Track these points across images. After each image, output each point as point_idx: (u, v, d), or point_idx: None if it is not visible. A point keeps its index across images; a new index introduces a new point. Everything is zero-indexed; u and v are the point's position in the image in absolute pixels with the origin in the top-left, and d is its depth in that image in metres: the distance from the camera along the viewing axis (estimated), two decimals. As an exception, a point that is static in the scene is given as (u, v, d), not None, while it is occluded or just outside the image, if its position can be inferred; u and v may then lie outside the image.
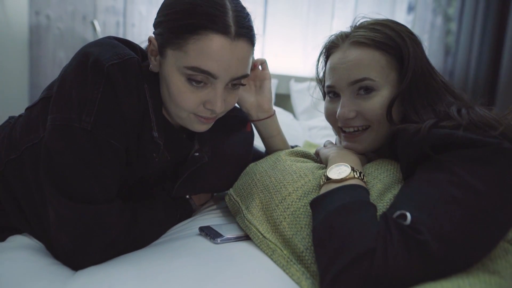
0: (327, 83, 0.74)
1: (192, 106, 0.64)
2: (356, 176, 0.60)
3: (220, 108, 0.64)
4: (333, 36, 0.75)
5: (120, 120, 0.60)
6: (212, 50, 0.59)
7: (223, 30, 0.60)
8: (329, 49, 0.75)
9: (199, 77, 0.61)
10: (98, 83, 0.58)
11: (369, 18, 0.74)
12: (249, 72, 0.67)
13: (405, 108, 0.66)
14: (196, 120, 0.67)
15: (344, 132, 0.73)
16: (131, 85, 0.60)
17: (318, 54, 0.80)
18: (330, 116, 0.76)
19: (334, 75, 0.71)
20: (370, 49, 0.68)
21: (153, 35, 0.66)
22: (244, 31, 0.62)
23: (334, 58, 0.72)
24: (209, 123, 0.68)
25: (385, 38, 0.68)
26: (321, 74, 0.81)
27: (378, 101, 0.67)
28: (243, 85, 0.69)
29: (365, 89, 0.68)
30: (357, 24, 0.73)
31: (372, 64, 0.67)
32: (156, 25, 0.65)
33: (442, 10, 2.85)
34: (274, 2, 2.51)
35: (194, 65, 0.60)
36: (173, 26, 0.61)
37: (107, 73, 0.58)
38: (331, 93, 0.74)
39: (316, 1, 2.62)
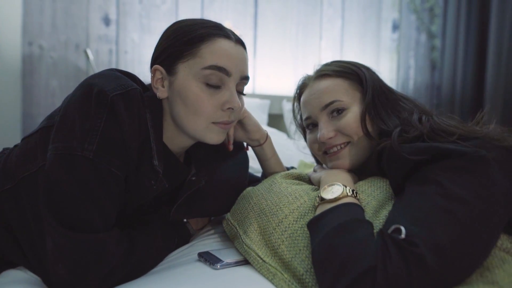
0: (304, 117, 0.82)
1: (211, 110, 0.68)
2: (349, 194, 0.61)
3: (238, 104, 0.70)
4: (300, 80, 0.86)
5: (121, 149, 0.61)
6: (223, 49, 0.69)
7: (227, 35, 0.71)
8: (300, 90, 0.85)
9: (215, 77, 0.68)
10: (101, 112, 0.59)
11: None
12: (249, 76, 0.76)
13: (373, 119, 0.73)
14: (215, 129, 0.70)
15: (328, 154, 0.77)
16: (133, 115, 0.62)
17: (292, 99, 0.89)
18: (313, 145, 0.81)
19: (307, 106, 0.80)
20: (333, 78, 0.78)
21: (157, 65, 0.71)
22: (240, 41, 0.74)
23: (305, 94, 0.82)
24: (226, 130, 0.73)
25: (343, 67, 0.79)
26: (298, 117, 0.89)
27: (351, 116, 0.74)
28: (243, 94, 0.76)
29: (337, 111, 0.76)
30: (318, 68, 0.84)
31: (337, 88, 0.77)
32: (158, 55, 0.71)
33: (426, 28, 2.95)
34: (263, 24, 2.58)
35: (211, 64, 0.67)
36: (185, 41, 0.68)
37: (110, 103, 0.59)
38: (309, 125, 0.81)
39: (304, 23, 2.70)
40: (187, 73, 0.68)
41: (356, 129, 0.74)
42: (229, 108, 0.69)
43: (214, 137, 0.71)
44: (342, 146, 0.75)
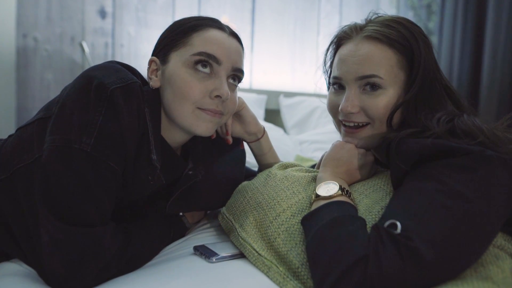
0: (333, 74, 0.72)
1: (198, 94, 0.68)
2: (343, 194, 0.62)
3: (226, 93, 0.68)
4: (346, 27, 0.73)
5: (119, 142, 0.60)
6: (214, 38, 0.70)
7: (220, 27, 0.72)
8: (341, 39, 0.74)
9: (205, 62, 0.68)
10: (100, 106, 0.59)
11: (383, 13, 0.74)
12: (243, 70, 0.75)
13: (407, 113, 0.66)
14: (201, 116, 0.69)
15: (345, 126, 0.72)
16: (132, 109, 0.62)
17: (329, 43, 0.77)
18: (333, 108, 0.74)
19: (342, 67, 0.70)
20: (383, 45, 0.67)
21: (153, 57, 0.73)
22: (235, 35, 0.74)
23: (344, 49, 0.71)
24: (214, 120, 0.70)
25: (399, 37, 0.67)
26: (328, 64, 0.80)
27: (383, 99, 0.67)
28: (239, 81, 0.75)
29: (371, 86, 0.67)
30: (372, 19, 0.72)
31: (382, 61, 0.66)
32: (155, 48, 0.74)
33: (423, 24, 2.95)
34: (260, 20, 2.57)
35: (200, 50, 0.68)
36: (179, 31, 0.71)
37: (110, 96, 0.59)
38: (336, 84, 0.72)
39: (302, 19, 2.69)
40: (178, 61, 0.69)
41: (382, 115, 0.67)
42: (217, 96, 0.68)
43: (202, 125, 0.69)
44: (361, 125, 0.69)
